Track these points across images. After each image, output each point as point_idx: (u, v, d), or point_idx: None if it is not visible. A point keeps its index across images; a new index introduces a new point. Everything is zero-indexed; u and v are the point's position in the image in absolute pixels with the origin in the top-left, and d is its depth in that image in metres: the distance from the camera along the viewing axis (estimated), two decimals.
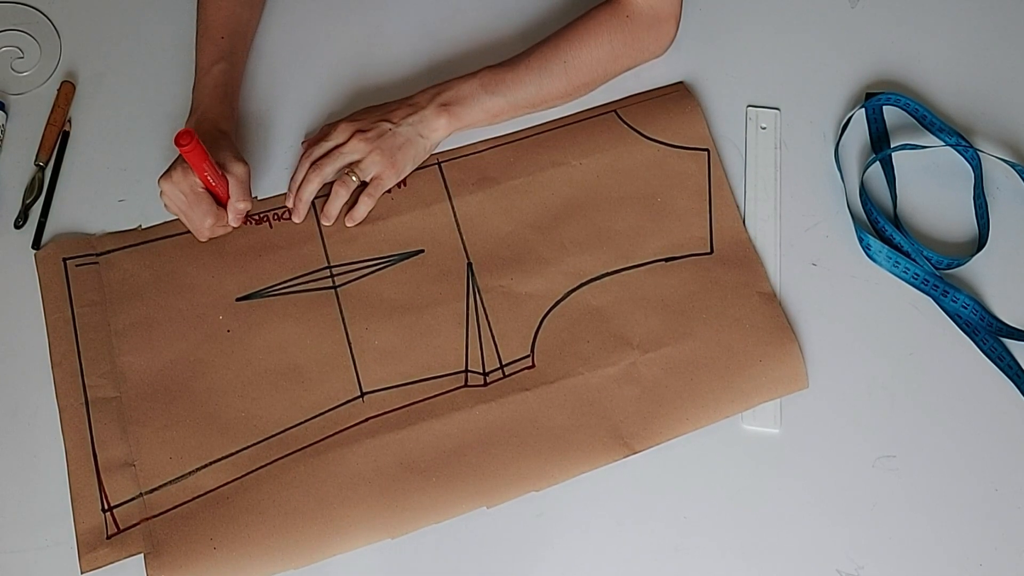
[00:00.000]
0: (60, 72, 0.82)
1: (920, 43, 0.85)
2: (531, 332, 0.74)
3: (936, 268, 0.77)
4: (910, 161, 0.81)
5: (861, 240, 0.77)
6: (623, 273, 0.76)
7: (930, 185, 0.80)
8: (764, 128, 0.81)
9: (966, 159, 0.81)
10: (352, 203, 0.77)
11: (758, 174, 0.80)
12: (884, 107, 0.82)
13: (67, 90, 0.81)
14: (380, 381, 0.73)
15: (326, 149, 0.76)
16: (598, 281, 0.76)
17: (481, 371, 0.73)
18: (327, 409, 0.72)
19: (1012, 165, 0.80)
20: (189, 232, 0.76)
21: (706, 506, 0.71)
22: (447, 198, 0.78)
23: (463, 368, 0.73)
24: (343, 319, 0.74)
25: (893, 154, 0.81)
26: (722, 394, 0.72)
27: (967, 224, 0.79)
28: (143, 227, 0.77)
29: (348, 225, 0.77)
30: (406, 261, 0.76)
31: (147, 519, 0.69)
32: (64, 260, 0.75)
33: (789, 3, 0.86)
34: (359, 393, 0.73)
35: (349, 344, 0.74)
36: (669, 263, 0.76)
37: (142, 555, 0.68)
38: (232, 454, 0.71)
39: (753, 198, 0.79)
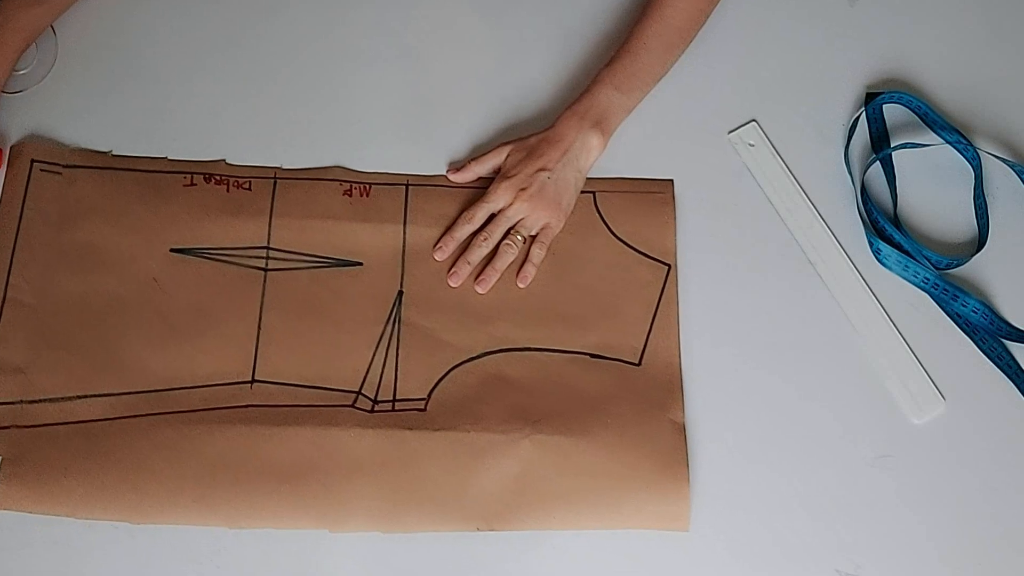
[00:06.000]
0: (57, 69, 0.82)
1: (919, 43, 0.85)
2: (435, 378, 0.74)
3: (936, 268, 0.77)
4: (910, 161, 0.80)
5: (871, 244, 0.77)
6: (546, 353, 0.75)
7: (930, 185, 0.80)
8: (752, 145, 0.81)
9: (966, 159, 0.80)
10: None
11: (774, 189, 0.79)
12: (884, 106, 0.82)
13: None
14: (274, 374, 0.73)
15: (488, 212, 0.77)
16: (519, 352, 0.75)
17: (372, 398, 0.73)
18: (215, 383, 0.72)
19: (1012, 165, 0.79)
20: (154, 171, 0.78)
21: (705, 504, 0.71)
22: (403, 222, 0.78)
23: (357, 390, 0.73)
24: (262, 303, 0.75)
25: (893, 154, 0.80)
26: (596, 504, 0.70)
27: (967, 224, 0.79)
28: (113, 153, 0.79)
29: (521, 286, 0.76)
30: (341, 268, 0.76)
31: (18, 426, 0.71)
32: (32, 161, 0.78)
33: (789, 3, 0.86)
34: (250, 378, 0.73)
35: (259, 328, 0.74)
36: (594, 359, 0.75)
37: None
38: (113, 394, 0.72)
39: (785, 208, 0.79)
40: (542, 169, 0.76)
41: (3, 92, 0.79)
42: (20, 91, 0.81)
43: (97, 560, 0.69)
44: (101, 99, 0.81)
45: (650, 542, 0.70)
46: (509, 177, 0.77)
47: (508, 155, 0.78)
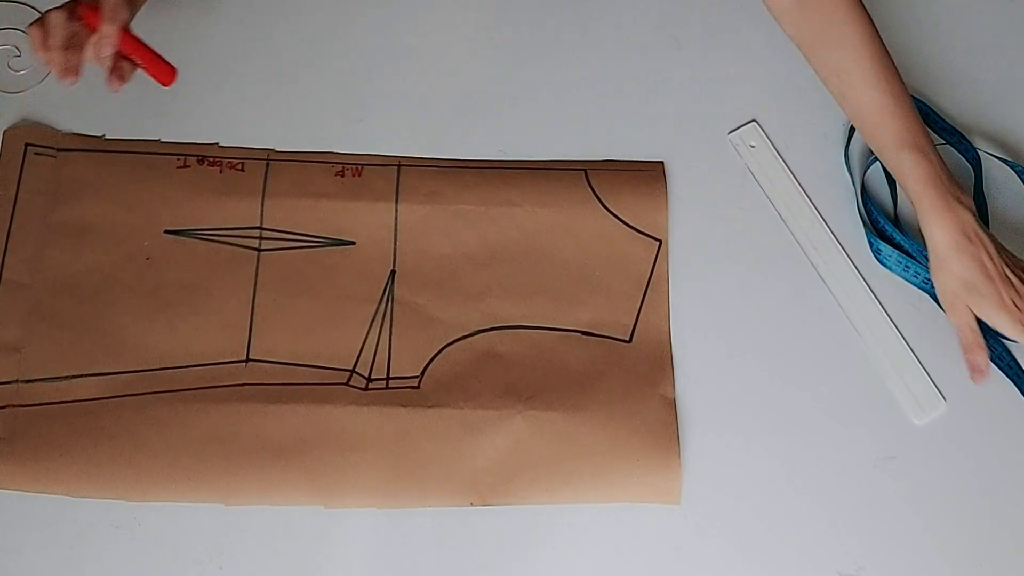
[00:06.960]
0: None
1: (919, 43, 0.84)
2: (428, 356, 0.74)
3: None
4: None
5: (872, 244, 0.77)
6: (538, 331, 0.75)
7: None
8: (754, 146, 0.81)
9: (967, 159, 0.80)
10: None
11: (775, 189, 0.80)
12: None
13: None
14: (268, 353, 0.74)
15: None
16: (511, 330, 0.75)
17: (366, 376, 0.74)
18: (210, 362, 0.73)
19: (1012, 165, 0.79)
20: (148, 153, 0.78)
21: (706, 505, 0.71)
22: (395, 200, 0.78)
23: (351, 368, 0.74)
24: (255, 283, 0.75)
25: None
26: (588, 478, 0.71)
27: None
28: (107, 137, 0.79)
29: None
30: (335, 248, 0.77)
31: (14, 406, 0.71)
32: (27, 145, 0.78)
33: None
34: (245, 357, 0.73)
35: (252, 308, 0.75)
36: (586, 337, 0.75)
37: None
38: (109, 374, 0.72)
39: (785, 209, 0.79)
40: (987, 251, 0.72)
41: (3, 92, 0.80)
42: (21, 91, 0.81)
43: (98, 560, 0.69)
44: (101, 98, 0.79)
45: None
46: (994, 293, 0.71)
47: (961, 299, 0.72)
